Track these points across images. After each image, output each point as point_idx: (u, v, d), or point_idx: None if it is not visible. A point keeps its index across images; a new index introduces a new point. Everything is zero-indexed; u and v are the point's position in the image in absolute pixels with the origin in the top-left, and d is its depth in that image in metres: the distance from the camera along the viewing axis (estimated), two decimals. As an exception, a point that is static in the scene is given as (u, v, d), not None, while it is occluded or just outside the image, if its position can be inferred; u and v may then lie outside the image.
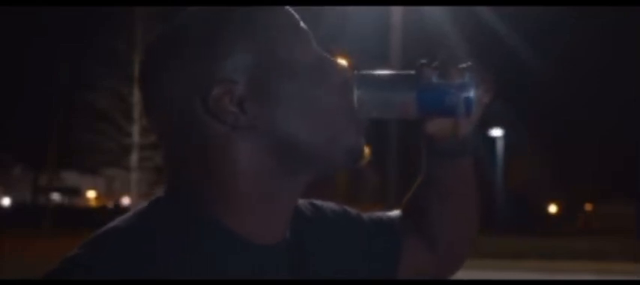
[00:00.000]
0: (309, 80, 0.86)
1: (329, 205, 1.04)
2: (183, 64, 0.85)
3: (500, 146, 40.27)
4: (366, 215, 1.06)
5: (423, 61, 0.93)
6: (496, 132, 40.38)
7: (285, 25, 0.88)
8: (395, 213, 1.10)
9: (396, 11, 11.99)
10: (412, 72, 0.92)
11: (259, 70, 0.84)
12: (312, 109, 0.85)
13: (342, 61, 0.90)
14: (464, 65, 0.93)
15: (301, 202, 0.99)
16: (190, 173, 0.86)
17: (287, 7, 0.90)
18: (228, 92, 0.83)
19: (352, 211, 1.06)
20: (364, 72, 0.92)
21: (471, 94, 0.91)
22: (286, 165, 0.85)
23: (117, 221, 0.84)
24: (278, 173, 0.85)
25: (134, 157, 27.60)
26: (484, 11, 22.54)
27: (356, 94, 0.89)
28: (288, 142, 0.84)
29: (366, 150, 0.90)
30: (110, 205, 44.83)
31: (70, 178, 43.67)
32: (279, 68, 0.85)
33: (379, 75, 0.92)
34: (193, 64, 0.85)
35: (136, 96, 27.37)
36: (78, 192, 49.59)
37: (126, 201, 36.78)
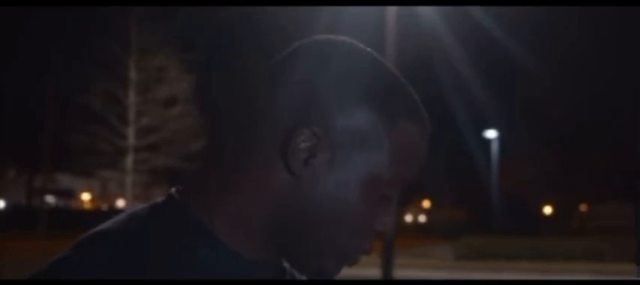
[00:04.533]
0: (366, 206, 0.83)
1: None
2: (308, 86, 0.82)
3: (495, 148, 40.35)
4: None
5: None
6: (491, 133, 40.45)
7: (409, 137, 0.83)
8: None
9: (391, 12, 12.00)
10: None
11: (351, 150, 0.81)
12: (339, 224, 0.82)
13: (390, 220, 0.86)
14: None
15: None
16: (215, 172, 0.85)
17: (428, 128, 0.86)
18: (313, 139, 0.81)
19: None
20: None
21: None
22: (279, 229, 0.84)
23: (109, 223, 0.83)
24: (267, 228, 0.84)
25: (129, 160, 27.54)
26: (479, 12, 22.57)
27: None
28: (298, 220, 0.83)
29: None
30: (105, 207, 44.75)
31: (65, 180, 43.61)
32: (366, 172, 0.82)
33: None
34: (314, 94, 0.82)
35: (131, 98, 27.34)
36: (72, 194, 49.51)
37: (120, 203, 36.70)
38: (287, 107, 0.82)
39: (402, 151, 0.83)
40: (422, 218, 60.83)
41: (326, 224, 0.82)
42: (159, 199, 0.86)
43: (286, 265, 0.89)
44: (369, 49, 0.87)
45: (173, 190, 0.87)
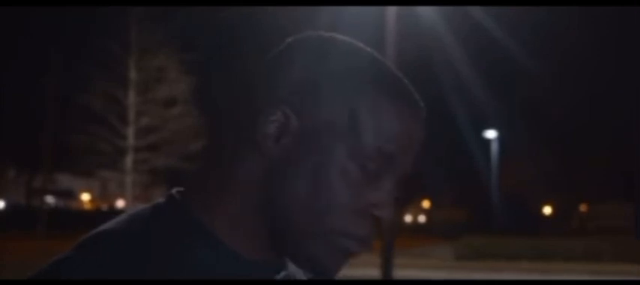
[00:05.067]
0: (348, 185, 0.81)
1: None
2: (307, 85, 0.83)
3: (494, 148, 40.35)
4: None
5: None
6: (491, 133, 40.43)
7: (400, 125, 0.82)
8: None
9: (391, 12, 12.00)
10: None
11: (332, 135, 0.81)
12: (322, 207, 0.81)
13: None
14: None
15: None
16: (215, 172, 0.86)
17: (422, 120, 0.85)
18: (282, 119, 0.82)
19: None
20: None
21: None
22: (271, 225, 0.84)
23: (111, 223, 0.83)
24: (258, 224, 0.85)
25: (129, 160, 27.55)
26: (479, 12, 22.58)
27: None
28: (283, 209, 0.82)
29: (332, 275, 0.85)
30: (105, 207, 44.78)
31: (65, 180, 43.60)
32: (346, 153, 0.81)
33: None
34: (313, 90, 0.83)
35: (131, 98, 27.34)
36: (72, 194, 49.51)
37: (120, 203, 36.71)
38: (273, 93, 0.84)
39: (387, 133, 0.82)
40: (422, 218, 60.84)
41: (308, 209, 0.81)
42: (160, 199, 0.87)
43: (288, 264, 0.89)
44: (369, 49, 0.87)
45: (174, 190, 0.88)
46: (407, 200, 49.65)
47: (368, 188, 0.82)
